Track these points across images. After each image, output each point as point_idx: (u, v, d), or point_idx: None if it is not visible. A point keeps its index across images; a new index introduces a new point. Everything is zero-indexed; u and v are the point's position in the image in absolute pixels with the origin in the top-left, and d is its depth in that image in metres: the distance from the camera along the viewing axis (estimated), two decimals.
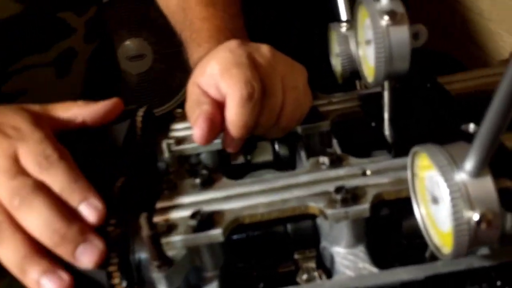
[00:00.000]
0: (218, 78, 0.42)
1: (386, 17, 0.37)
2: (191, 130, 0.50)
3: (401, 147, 0.41)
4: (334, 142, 0.47)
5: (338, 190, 0.37)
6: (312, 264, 0.41)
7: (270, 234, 0.40)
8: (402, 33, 0.38)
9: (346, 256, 0.38)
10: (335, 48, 0.54)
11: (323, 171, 0.40)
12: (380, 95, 0.47)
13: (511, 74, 0.23)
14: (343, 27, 0.52)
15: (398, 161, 0.40)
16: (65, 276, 0.35)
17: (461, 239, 0.28)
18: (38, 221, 0.35)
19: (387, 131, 0.44)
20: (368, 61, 0.42)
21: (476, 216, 0.28)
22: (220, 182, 0.41)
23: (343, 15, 0.54)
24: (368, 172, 0.39)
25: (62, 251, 0.35)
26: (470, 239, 0.28)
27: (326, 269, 0.41)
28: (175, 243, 0.36)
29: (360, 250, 0.38)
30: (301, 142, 0.48)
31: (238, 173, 0.50)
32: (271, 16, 1.49)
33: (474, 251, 0.37)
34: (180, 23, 0.58)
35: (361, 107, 0.50)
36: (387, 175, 0.39)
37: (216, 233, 0.36)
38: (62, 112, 0.44)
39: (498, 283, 0.37)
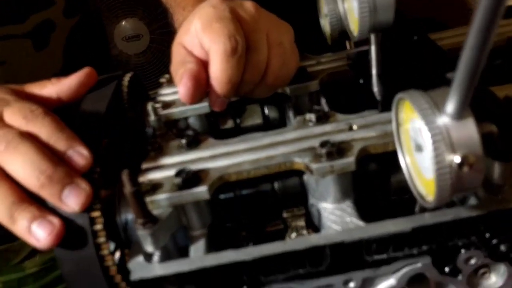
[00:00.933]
0: (200, 34, 0.41)
1: None
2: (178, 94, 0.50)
3: (388, 101, 0.40)
4: (323, 101, 0.47)
5: (323, 144, 0.36)
6: (301, 223, 0.41)
7: (258, 192, 0.39)
8: None
9: (333, 212, 0.37)
10: (324, 8, 0.53)
11: (309, 128, 0.40)
12: (367, 52, 0.46)
13: (483, 8, 0.22)
14: None
15: (385, 115, 0.39)
16: (55, 221, 0.34)
17: (443, 183, 0.28)
18: (24, 163, 0.34)
19: (375, 86, 0.43)
20: (354, 14, 0.42)
21: (457, 159, 0.27)
22: (206, 142, 0.41)
23: None
24: (355, 127, 0.39)
25: (48, 193, 0.34)
26: (452, 183, 0.28)
27: (315, 227, 0.41)
28: (160, 202, 0.36)
29: (347, 205, 0.38)
30: (290, 103, 0.48)
31: (227, 137, 0.49)
32: None
33: (459, 197, 0.37)
34: None
35: (350, 66, 0.49)
36: (374, 129, 0.38)
37: (202, 190, 0.36)
38: (37, 91, 0.44)
39: (487, 235, 0.37)
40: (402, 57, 0.44)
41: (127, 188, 0.33)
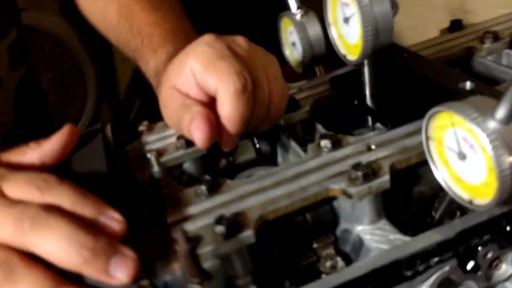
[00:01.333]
0: (202, 75, 0.39)
1: None
2: (170, 139, 0.47)
3: (396, 119, 0.42)
4: (319, 126, 0.47)
5: (356, 167, 0.37)
6: (331, 251, 0.40)
7: (291, 225, 0.39)
8: (384, 5, 0.39)
9: (374, 232, 0.38)
10: (290, 37, 0.54)
11: (328, 153, 0.40)
12: (351, 74, 0.48)
13: None
14: (298, 15, 0.52)
15: (396, 132, 0.41)
16: None
17: (505, 184, 0.30)
18: (60, 239, 0.30)
19: (371, 105, 0.45)
20: (346, 39, 0.43)
21: None
22: (226, 185, 0.39)
23: (293, 4, 0.54)
24: (373, 147, 0.40)
25: (94, 269, 0.30)
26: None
27: (343, 254, 0.41)
28: (207, 254, 0.33)
29: (384, 223, 0.38)
30: (285, 133, 0.48)
31: (225, 177, 0.48)
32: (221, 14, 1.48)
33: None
34: (125, 33, 0.55)
35: (334, 89, 0.50)
36: (391, 146, 0.40)
37: (248, 234, 0.34)
38: (16, 159, 0.39)
39: (508, 228, 0.40)
40: (391, 75, 0.47)
41: (182, 246, 0.31)
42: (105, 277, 0.30)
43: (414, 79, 0.45)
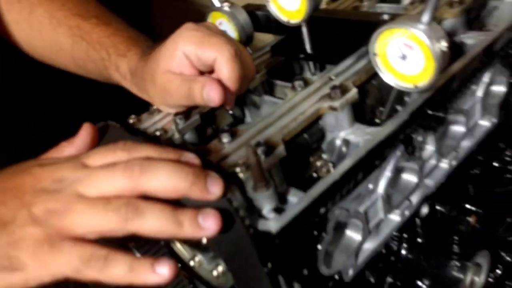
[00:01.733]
0: (198, 51, 0.49)
1: None
2: (165, 120, 0.56)
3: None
4: (278, 82, 0.60)
5: (334, 87, 0.50)
6: (324, 161, 0.53)
7: (297, 148, 0.50)
8: None
9: (354, 132, 0.51)
10: (220, 28, 0.66)
11: (304, 89, 0.53)
12: (286, 40, 0.62)
13: None
14: (226, 7, 0.64)
15: (343, 64, 0.56)
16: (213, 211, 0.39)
17: (440, 62, 0.46)
18: (169, 172, 0.38)
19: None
20: (286, 9, 0.57)
21: (443, 45, 0.45)
22: (240, 131, 0.50)
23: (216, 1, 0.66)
24: (333, 77, 0.54)
25: (198, 189, 0.38)
26: (444, 61, 0.46)
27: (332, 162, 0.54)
28: None
29: (357, 125, 0.52)
30: (256, 92, 0.59)
31: None
32: None
33: None
34: (84, 51, 0.61)
35: (275, 55, 0.63)
36: (344, 73, 0.54)
37: (281, 150, 0.46)
38: (58, 155, 0.45)
39: (429, 112, 0.57)
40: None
41: (252, 159, 0.40)
42: (207, 194, 0.39)
43: (343, 24, 0.60)
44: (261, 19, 0.66)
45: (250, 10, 0.65)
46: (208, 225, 0.38)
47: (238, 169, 0.43)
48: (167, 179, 0.38)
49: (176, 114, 0.54)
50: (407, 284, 0.68)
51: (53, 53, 0.65)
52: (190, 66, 0.51)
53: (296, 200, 0.45)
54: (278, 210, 0.45)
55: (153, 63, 0.53)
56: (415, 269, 0.68)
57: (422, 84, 0.49)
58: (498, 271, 0.85)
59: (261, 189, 0.42)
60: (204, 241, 0.46)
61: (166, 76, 0.51)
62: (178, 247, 0.50)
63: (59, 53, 0.64)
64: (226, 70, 0.49)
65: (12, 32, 0.66)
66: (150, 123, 0.56)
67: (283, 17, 0.58)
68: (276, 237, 0.42)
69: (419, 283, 0.69)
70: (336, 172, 0.46)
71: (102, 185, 0.39)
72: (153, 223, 0.38)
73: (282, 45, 0.64)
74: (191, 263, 0.48)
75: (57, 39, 0.63)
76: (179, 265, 0.51)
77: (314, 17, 0.57)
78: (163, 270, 0.38)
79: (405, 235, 0.67)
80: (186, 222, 0.38)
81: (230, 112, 0.60)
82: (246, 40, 0.64)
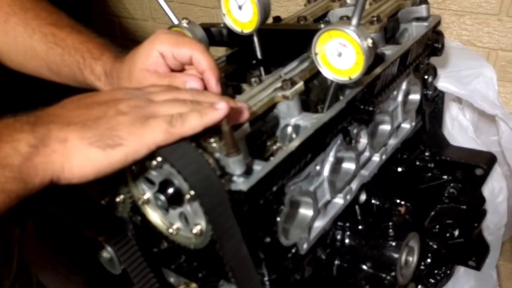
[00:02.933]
0: (175, 50, 0.58)
1: None
2: None
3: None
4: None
5: (285, 81, 0.60)
6: (277, 143, 0.63)
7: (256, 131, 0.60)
8: None
9: (303, 118, 0.62)
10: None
11: (261, 84, 0.63)
12: (238, 52, 0.72)
13: None
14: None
15: (290, 66, 0.67)
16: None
17: (368, 56, 0.57)
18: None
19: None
20: (240, 20, 0.67)
21: (370, 42, 0.57)
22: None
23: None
24: (282, 75, 0.64)
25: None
26: (371, 55, 0.58)
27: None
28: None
29: (305, 113, 0.62)
30: None
31: None
32: None
33: None
34: (59, 55, 0.67)
35: (230, 63, 0.73)
36: (292, 71, 0.65)
37: (246, 127, 0.54)
38: None
39: (361, 106, 0.69)
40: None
41: (225, 127, 0.49)
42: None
43: (287, 34, 0.72)
44: (215, 35, 0.76)
45: (205, 27, 0.75)
46: (220, 106, 0.49)
47: (211, 140, 0.51)
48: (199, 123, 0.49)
49: None
50: (352, 266, 0.77)
51: (27, 58, 0.70)
52: (164, 64, 0.59)
53: (260, 167, 0.53)
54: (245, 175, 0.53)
55: (130, 62, 0.61)
56: (358, 253, 0.77)
57: (355, 75, 0.60)
58: (428, 260, 0.97)
59: (233, 155, 0.50)
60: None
61: (142, 73, 0.59)
62: (155, 221, 0.56)
63: (33, 58, 0.70)
64: (205, 61, 0.58)
65: None
66: None
67: (237, 28, 0.68)
68: (246, 195, 0.50)
69: (363, 266, 0.78)
70: (292, 145, 0.56)
71: (167, 95, 0.52)
72: (194, 122, 0.49)
73: (235, 55, 0.74)
74: (170, 231, 0.55)
75: (32, 45, 0.69)
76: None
77: (263, 29, 0.69)
78: (221, 105, 0.49)
79: (347, 224, 0.76)
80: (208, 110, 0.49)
81: None
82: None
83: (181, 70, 0.61)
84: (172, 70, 0.60)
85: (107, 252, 0.64)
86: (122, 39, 1.89)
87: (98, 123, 0.47)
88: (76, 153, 0.45)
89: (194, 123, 0.48)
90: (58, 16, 0.71)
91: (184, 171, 0.46)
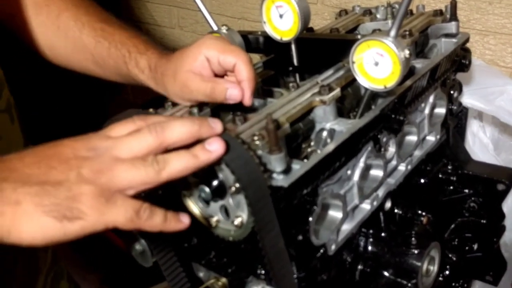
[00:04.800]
0: (221, 56, 0.61)
1: None
2: (179, 113, 0.66)
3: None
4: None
5: (323, 86, 0.63)
6: (313, 147, 0.65)
7: (295, 132, 0.62)
8: (305, 2, 0.68)
9: (338, 123, 0.64)
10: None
11: (296, 90, 0.66)
12: (274, 59, 0.75)
13: None
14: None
15: (326, 72, 0.69)
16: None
17: (404, 66, 0.60)
18: (181, 125, 0.48)
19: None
20: (280, 28, 0.70)
21: (406, 53, 0.60)
22: (249, 116, 0.61)
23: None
24: (319, 81, 0.67)
25: (205, 128, 0.49)
26: (407, 66, 0.61)
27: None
28: None
29: (340, 118, 0.65)
30: None
31: None
32: None
33: None
34: (106, 49, 0.71)
35: (266, 69, 0.77)
36: (328, 78, 0.68)
37: (286, 127, 0.57)
38: None
39: (393, 116, 0.71)
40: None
41: (270, 125, 0.52)
42: (213, 130, 0.50)
43: (324, 43, 0.75)
44: (251, 41, 0.80)
45: (243, 34, 0.78)
46: (214, 147, 0.48)
47: (255, 138, 0.54)
48: (182, 128, 0.48)
49: (191, 107, 0.65)
50: (374, 272, 0.79)
51: (75, 52, 0.74)
52: (209, 68, 0.63)
53: (299, 166, 0.56)
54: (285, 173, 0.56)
55: (176, 61, 0.64)
56: (380, 260, 0.79)
57: (390, 84, 0.63)
58: (447, 272, 0.98)
59: (275, 152, 0.53)
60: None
61: (187, 74, 0.62)
62: (195, 213, 0.59)
63: (81, 51, 0.73)
64: (246, 72, 0.61)
65: (36, 35, 0.75)
66: (168, 114, 0.66)
67: (276, 35, 0.72)
68: (286, 191, 0.53)
69: (385, 272, 0.80)
70: (328, 147, 0.58)
71: (133, 147, 0.47)
72: (179, 164, 0.47)
73: (272, 62, 0.77)
74: (210, 223, 0.57)
75: (81, 38, 0.73)
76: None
77: (300, 38, 0.72)
78: (185, 219, 0.50)
79: (371, 230, 0.79)
80: (199, 152, 0.48)
81: (231, 112, 0.72)
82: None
83: (223, 75, 0.64)
84: (215, 75, 0.64)
85: (140, 245, 0.66)
86: None
87: (58, 189, 0.44)
88: (28, 219, 0.43)
89: (156, 223, 0.48)
90: (106, 14, 0.74)
91: (232, 164, 0.49)
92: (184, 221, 0.50)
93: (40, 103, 1.70)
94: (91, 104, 1.93)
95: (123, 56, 0.69)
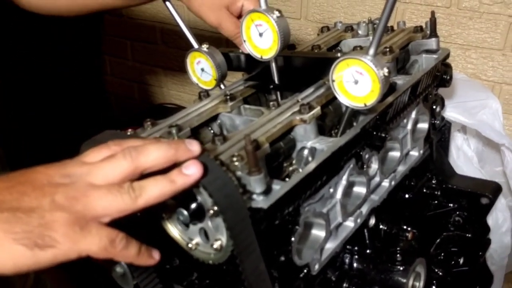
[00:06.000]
0: None
1: (277, 13, 0.66)
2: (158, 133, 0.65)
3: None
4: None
5: (303, 105, 0.63)
6: (294, 166, 0.65)
7: (275, 152, 0.62)
8: (284, 20, 0.68)
9: (319, 141, 0.64)
10: (198, 66, 0.78)
11: (279, 107, 0.65)
12: (256, 75, 0.75)
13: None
14: (205, 48, 0.77)
15: (306, 91, 0.69)
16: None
17: (384, 84, 0.60)
18: (156, 148, 0.47)
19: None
20: (260, 47, 0.70)
21: (386, 71, 0.60)
22: (230, 136, 0.60)
23: (194, 43, 0.79)
24: (299, 99, 0.67)
25: (182, 151, 0.48)
26: (386, 84, 0.60)
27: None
28: None
29: (321, 137, 0.65)
30: None
31: None
32: None
33: None
34: None
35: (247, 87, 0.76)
36: (308, 97, 0.67)
37: (265, 147, 0.57)
38: None
39: (374, 132, 0.71)
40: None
41: (248, 146, 0.51)
42: (190, 153, 0.49)
43: (304, 61, 0.75)
44: (233, 60, 0.79)
45: (224, 52, 0.78)
46: (191, 171, 0.47)
47: (234, 159, 0.53)
48: (158, 152, 0.47)
49: (170, 127, 0.64)
50: None
51: None
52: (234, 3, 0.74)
53: (279, 187, 0.56)
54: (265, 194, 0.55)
55: None
56: (366, 277, 0.78)
57: (370, 102, 0.63)
58: (433, 287, 0.98)
59: (254, 173, 0.52)
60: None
61: (222, 11, 0.72)
62: (174, 236, 0.58)
63: None
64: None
65: None
66: (147, 134, 0.65)
67: (256, 54, 0.71)
68: (266, 213, 0.52)
69: None
70: (309, 166, 0.58)
71: (108, 173, 0.46)
72: (155, 190, 0.47)
73: (253, 80, 0.77)
74: (189, 246, 0.56)
75: None
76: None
77: (280, 56, 0.71)
78: (156, 255, 0.51)
79: (356, 248, 0.78)
80: (176, 177, 0.47)
81: (211, 130, 0.71)
82: (221, 76, 0.77)
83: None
84: None
85: (121, 267, 0.65)
86: (134, 61, 1.93)
87: (30, 216, 0.43)
88: None
89: (130, 254, 0.48)
90: None
91: (209, 187, 0.48)
92: (155, 257, 0.50)
93: (38, 103, 1.70)
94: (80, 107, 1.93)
95: None
